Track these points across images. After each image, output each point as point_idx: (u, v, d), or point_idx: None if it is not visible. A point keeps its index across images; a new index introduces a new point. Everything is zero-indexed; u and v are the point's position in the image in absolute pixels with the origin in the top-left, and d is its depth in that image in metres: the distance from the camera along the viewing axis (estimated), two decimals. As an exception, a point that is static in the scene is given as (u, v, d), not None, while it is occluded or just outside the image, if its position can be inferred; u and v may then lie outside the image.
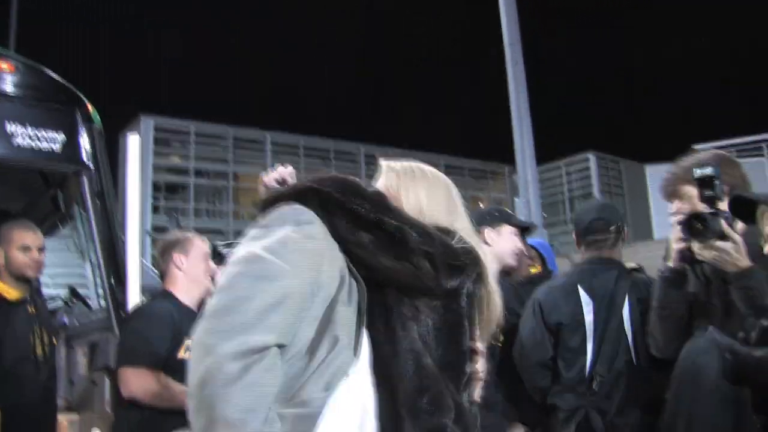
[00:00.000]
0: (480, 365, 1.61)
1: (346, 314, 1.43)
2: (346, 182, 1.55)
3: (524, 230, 3.37)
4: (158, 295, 3.30)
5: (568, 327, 3.03)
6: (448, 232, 1.60)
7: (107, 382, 3.94)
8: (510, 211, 3.52)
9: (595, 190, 38.01)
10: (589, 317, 2.99)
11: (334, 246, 1.46)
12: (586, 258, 3.13)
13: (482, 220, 3.23)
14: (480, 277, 1.61)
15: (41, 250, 3.69)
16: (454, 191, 1.77)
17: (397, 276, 1.47)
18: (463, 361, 1.56)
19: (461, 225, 1.68)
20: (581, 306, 3.01)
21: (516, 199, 12.78)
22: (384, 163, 1.76)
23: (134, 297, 3.54)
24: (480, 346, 1.63)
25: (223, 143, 39.74)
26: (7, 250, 3.59)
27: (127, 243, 3.64)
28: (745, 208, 2.12)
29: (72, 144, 4.11)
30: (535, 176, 12.97)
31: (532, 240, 4.93)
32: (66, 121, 4.12)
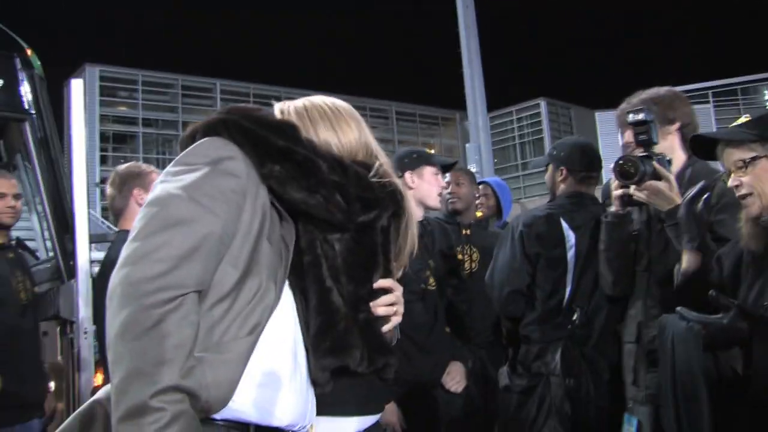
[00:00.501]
0: (395, 302, 1.58)
1: (270, 253, 1.40)
2: (253, 111, 1.50)
3: (446, 168, 3.36)
4: (118, 239, 3.14)
5: (550, 258, 3.03)
6: (366, 166, 1.57)
7: (58, 331, 3.88)
8: (429, 151, 3.49)
9: (546, 136, 38.45)
10: (571, 251, 3.00)
11: (256, 181, 1.41)
12: (568, 192, 3.11)
13: (401, 164, 3.21)
14: (398, 212, 1.58)
15: (17, 197, 3.60)
16: (363, 123, 1.70)
17: (307, 208, 1.44)
18: (375, 297, 1.53)
19: (382, 159, 1.65)
20: (564, 238, 3.01)
21: (467, 145, 12.81)
22: (277, 107, 1.69)
23: (83, 247, 3.45)
24: (395, 283, 1.60)
25: (172, 92, 38.84)
26: None
27: (74, 193, 3.52)
28: (704, 146, 2.17)
29: (10, 90, 3.96)
30: (486, 122, 13.01)
31: (489, 178, 4.97)
32: (3, 66, 3.94)
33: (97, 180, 27.78)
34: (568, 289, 2.98)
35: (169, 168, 1.40)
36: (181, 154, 1.43)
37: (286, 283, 1.44)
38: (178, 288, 1.23)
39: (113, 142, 37.13)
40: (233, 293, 1.33)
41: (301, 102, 1.69)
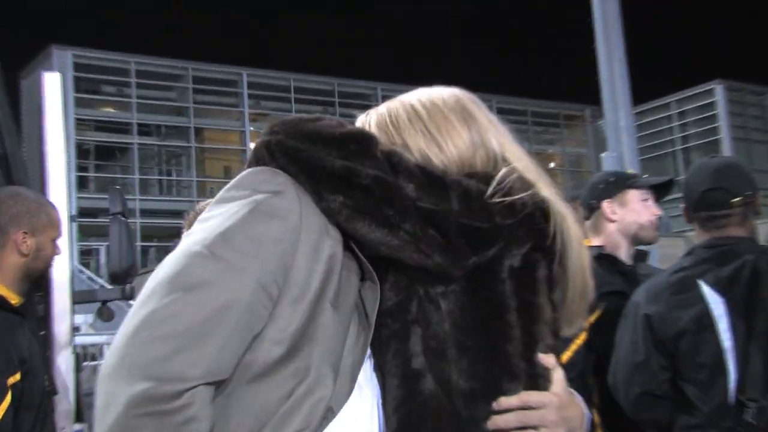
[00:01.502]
0: (543, 404, 1.49)
1: (334, 324, 1.41)
2: (305, 124, 1.52)
3: (659, 190, 3.57)
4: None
5: (692, 338, 2.99)
6: (488, 179, 1.53)
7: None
8: (630, 172, 3.64)
9: (725, 135, 37.12)
10: (722, 322, 2.95)
11: (318, 223, 1.44)
12: (705, 241, 3.12)
13: (594, 192, 3.46)
14: (541, 245, 1.53)
15: None
16: (481, 117, 1.67)
17: (390, 252, 1.44)
18: (505, 378, 1.46)
19: (519, 163, 1.61)
20: (708, 306, 2.97)
21: (603, 156, 12.66)
22: (360, 118, 1.72)
23: (62, 311, 3.61)
24: (549, 358, 1.53)
25: (180, 86, 39.96)
26: None
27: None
28: None
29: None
30: (630, 120, 12.84)
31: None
32: None
33: (73, 212, 28.61)
34: (732, 377, 2.92)
35: (202, 214, 1.47)
36: (217, 195, 1.49)
37: (368, 369, 1.44)
38: (180, 381, 1.25)
39: (95, 158, 38.19)
40: (268, 379, 1.35)
41: (385, 105, 1.70)
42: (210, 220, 1.42)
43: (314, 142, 1.47)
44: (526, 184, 1.54)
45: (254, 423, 1.33)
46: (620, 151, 12.21)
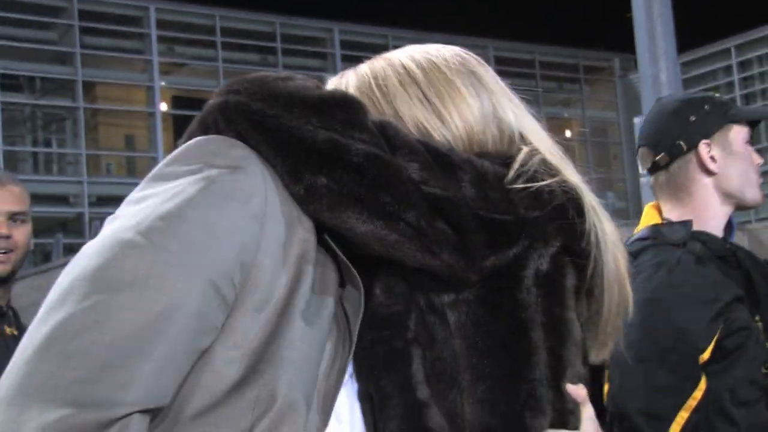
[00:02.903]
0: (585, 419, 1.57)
1: (304, 341, 1.43)
2: (274, 83, 1.54)
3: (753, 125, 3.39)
4: None
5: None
6: (503, 160, 1.58)
7: None
8: (722, 99, 3.40)
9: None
10: None
11: (286, 209, 1.47)
12: None
13: (679, 127, 3.17)
14: (572, 246, 1.58)
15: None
16: (483, 71, 1.74)
17: (384, 250, 1.47)
18: (528, 413, 1.50)
19: (540, 143, 1.65)
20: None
21: (636, 121, 12.79)
22: (332, 81, 1.76)
23: None
24: (579, 389, 1.58)
25: (62, 22, 39.83)
26: None
27: None
28: None
29: None
30: (674, 72, 12.94)
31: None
32: None
33: None
34: None
35: (132, 193, 1.46)
36: (153, 170, 1.49)
37: (350, 397, 1.48)
38: (108, 407, 1.25)
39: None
40: (218, 412, 1.35)
41: (367, 64, 1.75)
42: (144, 201, 1.41)
43: (288, 106, 1.48)
44: (551, 170, 1.59)
45: None
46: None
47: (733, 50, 39.77)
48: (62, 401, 1.22)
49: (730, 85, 40.37)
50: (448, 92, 1.64)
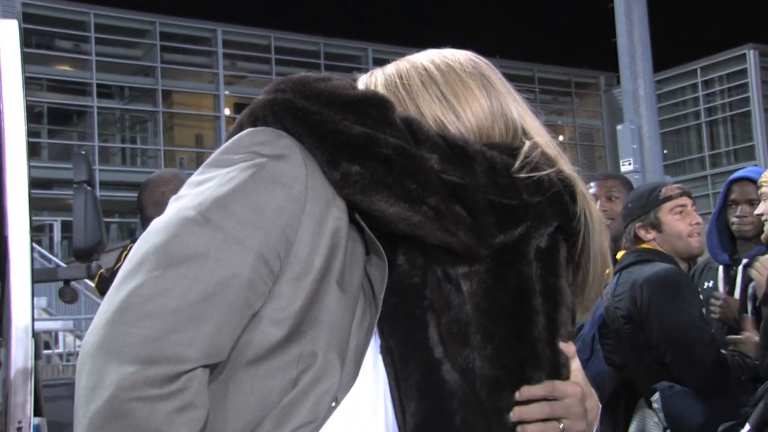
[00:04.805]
0: (565, 395, 1.52)
1: (339, 306, 1.43)
2: (316, 83, 1.52)
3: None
4: None
5: None
6: (510, 151, 1.57)
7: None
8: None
9: (755, 107, 37.09)
10: None
11: (324, 193, 1.45)
12: None
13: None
14: (567, 225, 1.58)
15: None
16: (497, 82, 1.69)
17: (409, 229, 1.45)
18: (529, 366, 1.50)
19: (540, 137, 1.64)
20: None
21: (619, 128, 12.65)
22: (362, 79, 1.73)
23: (21, 292, 3.60)
24: (569, 346, 1.57)
25: (146, 42, 39.77)
26: None
27: (6, 208, 3.68)
28: None
29: None
30: (650, 88, 12.84)
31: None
32: None
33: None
34: None
35: (192, 176, 1.47)
36: (210, 157, 1.49)
37: (374, 350, 1.46)
38: (175, 362, 1.26)
39: (48, 122, 37.94)
40: (267, 364, 1.37)
41: (393, 66, 1.71)
42: (204, 184, 1.41)
43: (328, 104, 1.47)
44: (549, 161, 1.58)
45: (253, 412, 1.34)
46: (639, 123, 12.22)
47: (698, 71, 39.28)
48: (136, 357, 1.24)
49: (695, 100, 39.96)
50: (463, 92, 1.62)
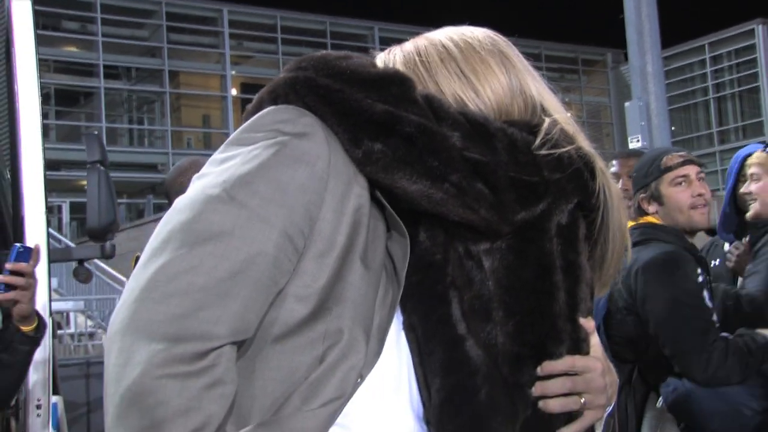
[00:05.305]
0: (582, 370, 1.54)
1: (363, 283, 1.43)
2: (337, 61, 1.52)
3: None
4: None
5: None
6: (529, 128, 1.56)
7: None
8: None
9: (764, 84, 36.92)
10: None
11: (346, 170, 1.45)
12: None
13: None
14: (587, 202, 1.58)
15: None
16: (516, 60, 1.69)
17: (431, 206, 1.44)
18: (550, 341, 1.51)
19: (558, 114, 1.63)
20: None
21: (627, 104, 12.59)
22: (380, 57, 1.72)
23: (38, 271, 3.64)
24: (589, 321, 1.58)
25: (152, 23, 39.65)
26: None
27: (22, 189, 3.69)
28: None
29: None
30: (658, 65, 12.80)
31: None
32: None
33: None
34: None
35: (215, 155, 1.46)
36: (232, 135, 1.48)
37: (397, 327, 1.46)
38: (204, 339, 1.27)
39: (56, 103, 37.82)
40: (293, 341, 1.37)
41: (411, 43, 1.70)
42: (227, 162, 1.41)
43: (350, 82, 1.47)
44: (569, 138, 1.58)
45: (280, 389, 1.35)
46: (647, 99, 12.15)
47: (706, 47, 39.06)
48: (165, 334, 1.25)
49: (703, 76, 39.78)
50: (482, 69, 1.61)
